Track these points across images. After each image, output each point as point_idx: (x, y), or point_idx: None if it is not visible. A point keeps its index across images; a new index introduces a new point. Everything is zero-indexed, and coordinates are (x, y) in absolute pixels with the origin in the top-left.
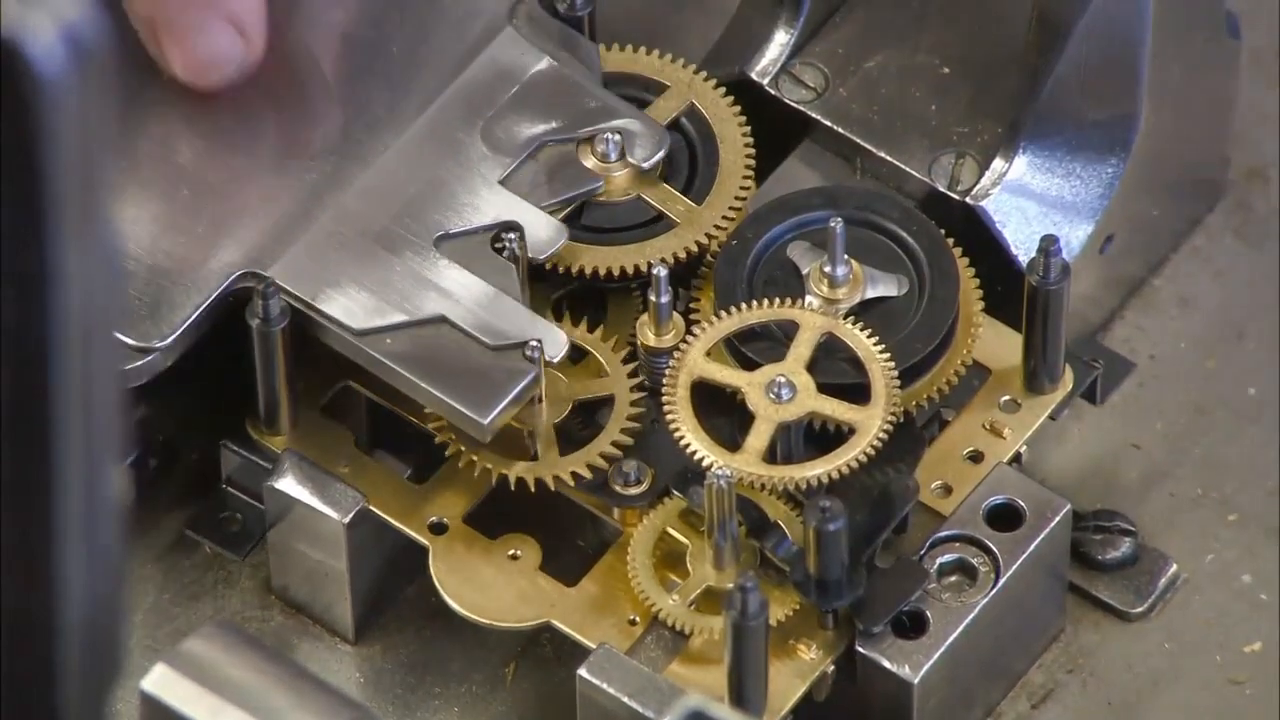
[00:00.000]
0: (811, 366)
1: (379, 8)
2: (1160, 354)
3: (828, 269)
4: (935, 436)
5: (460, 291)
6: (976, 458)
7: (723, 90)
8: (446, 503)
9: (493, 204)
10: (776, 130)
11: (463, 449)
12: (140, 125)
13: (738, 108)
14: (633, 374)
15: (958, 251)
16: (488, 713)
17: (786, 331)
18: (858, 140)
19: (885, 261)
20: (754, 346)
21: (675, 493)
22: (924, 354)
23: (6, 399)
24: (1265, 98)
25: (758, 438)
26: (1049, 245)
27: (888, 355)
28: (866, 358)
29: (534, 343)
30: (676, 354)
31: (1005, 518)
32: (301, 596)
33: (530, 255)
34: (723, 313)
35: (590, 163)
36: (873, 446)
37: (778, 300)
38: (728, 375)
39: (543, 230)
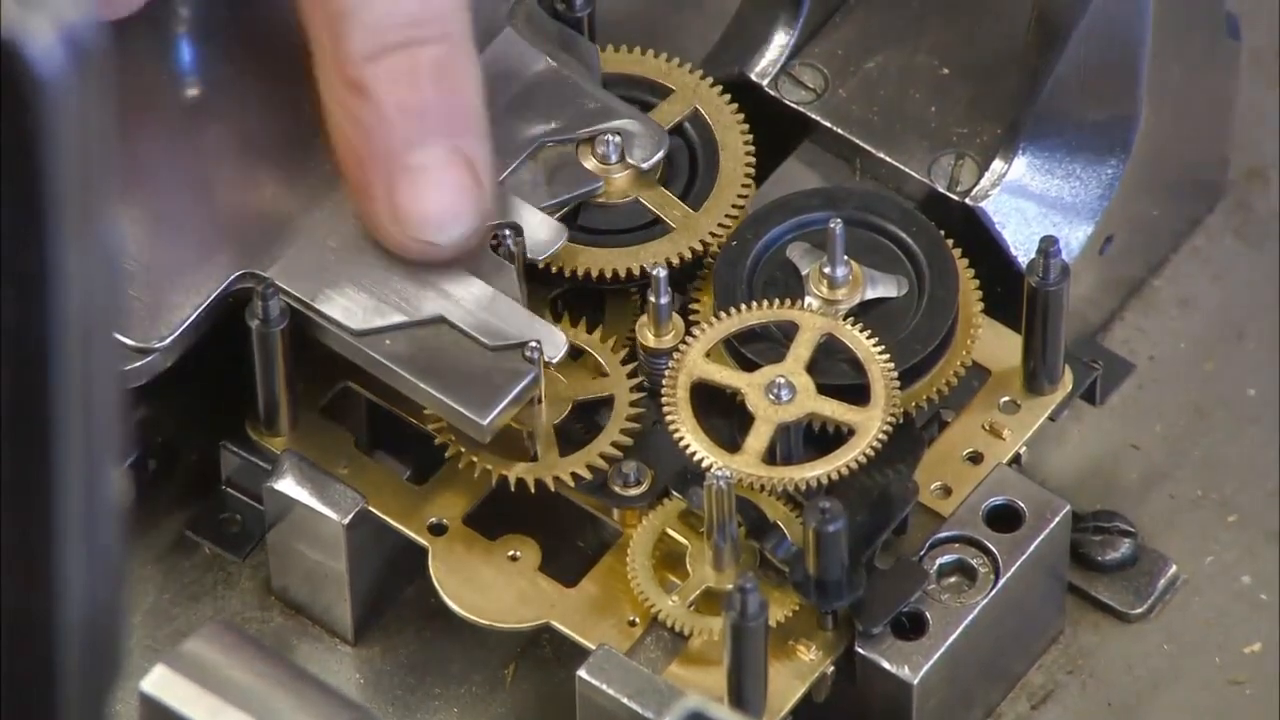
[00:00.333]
0: (811, 367)
1: None
2: (1160, 355)
3: (827, 270)
4: (935, 437)
5: (459, 292)
6: (976, 459)
7: (728, 97)
8: (446, 504)
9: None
10: (776, 131)
11: (462, 450)
12: (140, 125)
13: (741, 115)
14: (632, 375)
15: (957, 252)
16: (487, 713)
17: (786, 332)
18: (857, 141)
19: (885, 262)
20: (753, 347)
21: (675, 494)
22: (923, 355)
23: (6, 399)
24: (1265, 98)
25: (757, 439)
26: (1048, 246)
27: (887, 356)
28: (866, 359)
29: (533, 343)
30: (676, 355)
31: (1005, 519)
32: (301, 597)
33: (530, 256)
34: (722, 314)
35: (590, 164)
36: (872, 447)
37: (777, 301)
38: (727, 376)
39: (542, 231)
